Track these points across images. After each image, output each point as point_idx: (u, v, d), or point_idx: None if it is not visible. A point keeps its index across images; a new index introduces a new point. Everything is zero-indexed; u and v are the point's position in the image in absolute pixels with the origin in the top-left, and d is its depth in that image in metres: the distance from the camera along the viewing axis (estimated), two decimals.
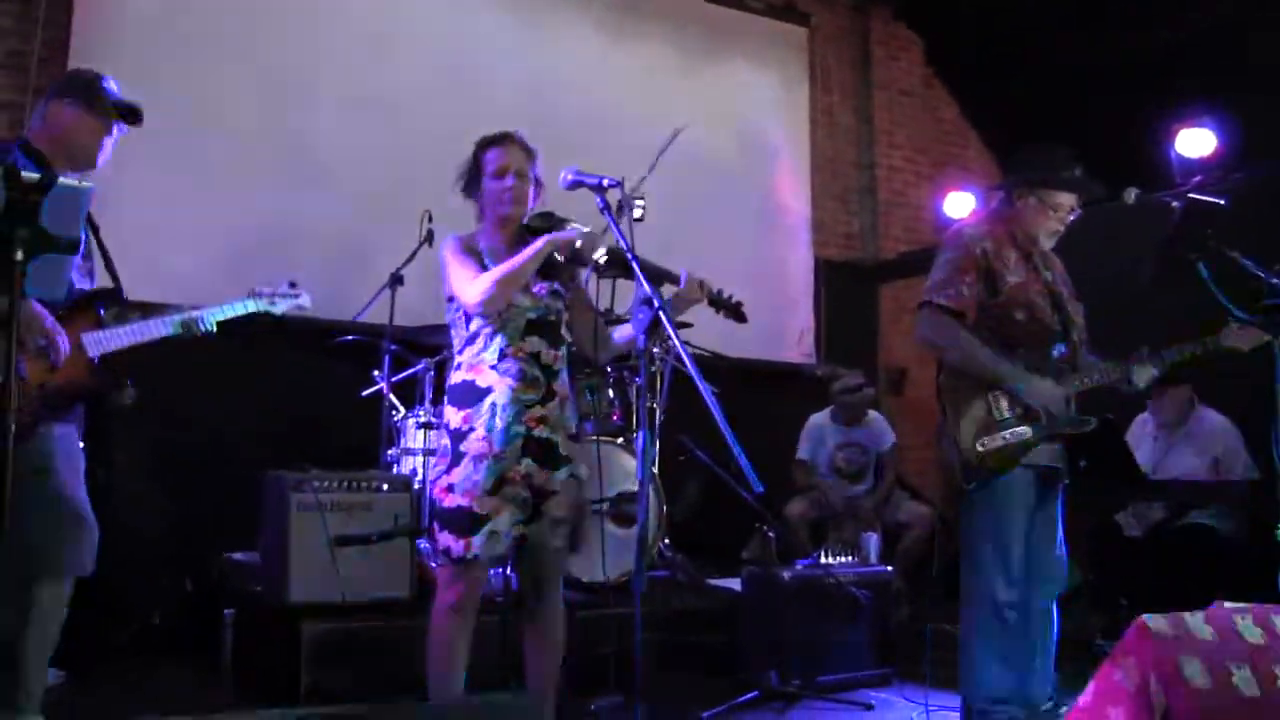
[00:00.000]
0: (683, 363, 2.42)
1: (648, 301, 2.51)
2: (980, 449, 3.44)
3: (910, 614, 5.21)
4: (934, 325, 3.54)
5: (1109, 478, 4.88)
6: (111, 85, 3.20)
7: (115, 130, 3.22)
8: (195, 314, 3.28)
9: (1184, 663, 2.15)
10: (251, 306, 3.45)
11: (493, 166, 3.21)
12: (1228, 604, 2.41)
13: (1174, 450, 5.37)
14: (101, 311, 3.14)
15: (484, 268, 3.15)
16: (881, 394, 7.45)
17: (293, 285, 3.54)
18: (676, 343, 2.44)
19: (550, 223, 3.17)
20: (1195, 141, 5.98)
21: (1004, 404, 3.49)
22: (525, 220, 3.22)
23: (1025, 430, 3.46)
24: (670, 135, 3.01)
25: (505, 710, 1.60)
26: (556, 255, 3.08)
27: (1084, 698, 2.32)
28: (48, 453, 2.97)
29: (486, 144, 3.26)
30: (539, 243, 3.05)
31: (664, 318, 2.47)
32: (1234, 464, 5.18)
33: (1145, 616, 2.22)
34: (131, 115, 3.22)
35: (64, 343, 2.95)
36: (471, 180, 3.28)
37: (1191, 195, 3.32)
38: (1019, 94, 7.56)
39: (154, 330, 3.21)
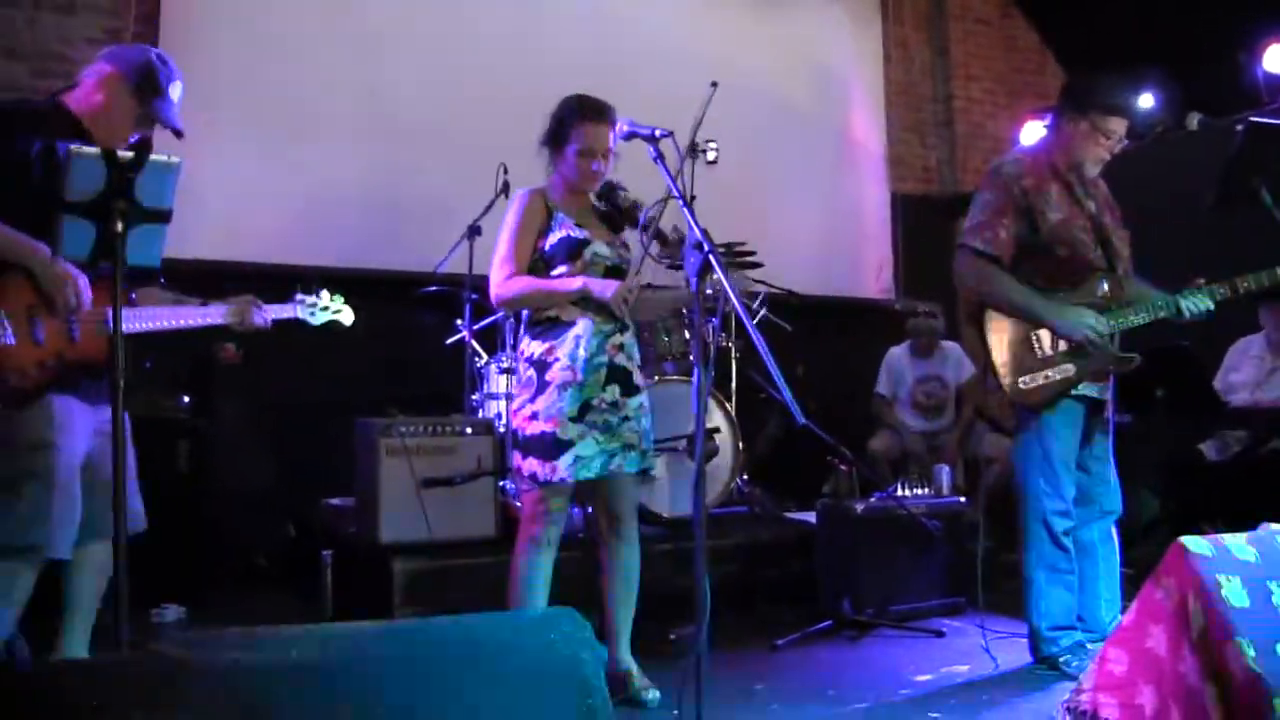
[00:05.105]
0: (731, 304, 2.52)
1: (698, 245, 2.61)
2: (1022, 387, 3.50)
3: (992, 547, 5.26)
4: (970, 269, 3.58)
5: (1187, 407, 4.88)
6: (175, 91, 3.06)
7: (149, 133, 3.05)
8: (247, 308, 3.17)
9: (1222, 582, 2.22)
10: (292, 312, 3.39)
11: (582, 144, 3.28)
12: (1274, 525, 2.46)
13: (1279, 371, 5.28)
14: (134, 295, 2.96)
15: (544, 234, 3.32)
16: (961, 328, 7.44)
17: (334, 297, 3.49)
18: (727, 285, 2.54)
19: (615, 197, 3.34)
20: None
21: (1046, 342, 3.52)
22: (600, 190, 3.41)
23: (1069, 367, 3.49)
24: (709, 92, 3.07)
25: (548, 625, 1.75)
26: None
27: (1127, 616, 2.41)
28: (47, 425, 2.82)
29: (581, 116, 3.29)
30: (578, 284, 3.25)
31: (714, 261, 2.58)
32: None
33: (1183, 538, 2.29)
34: (173, 133, 3.08)
35: (86, 298, 2.82)
36: (555, 138, 3.37)
37: (1254, 118, 3.28)
38: (1099, 18, 7.37)
39: (190, 317, 3.08)
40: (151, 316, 2.98)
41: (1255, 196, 3.27)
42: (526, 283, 3.29)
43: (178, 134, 3.06)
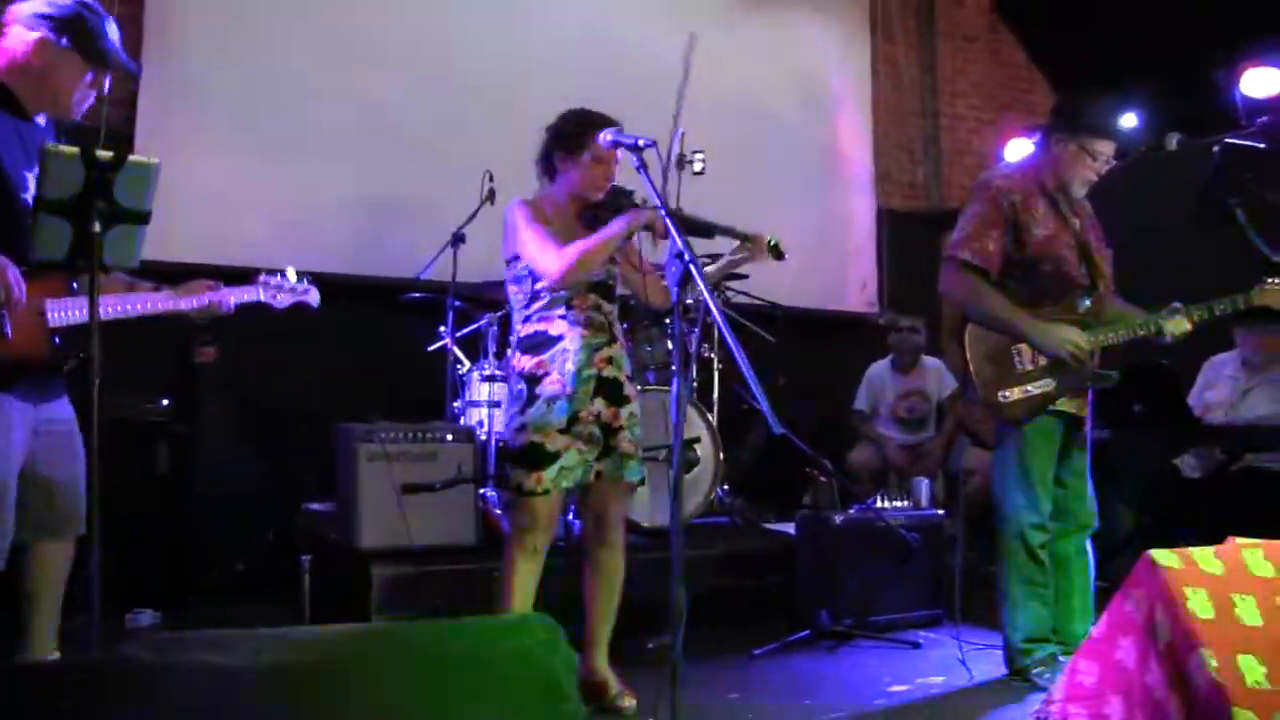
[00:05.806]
0: (710, 314, 2.52)
1: (679, 255, 2.62)
2: (1001, 400, 3.52)
3: (972, 559, 5.27)
4: (956, 281, 3.60)
5: (1163, 423, 4.91)
6: (112, 31, 2.80)
7: (106, 84, 2.84)
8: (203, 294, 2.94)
9: (1189, 594, 2.24)
10: (256, 295, 3.12)
11: (598, 151, 3.28)
12: (1239, 539, 2.48)
13: (1254, 392, 5.30)
14: (75, 285, 2.71)
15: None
16: (944, 343, 7.47)
17: (300, 278, 3.23)
18: (706, 295, 2.55)
19: (619, 199, 3.33)
20: (1262, 81, 5.86)
21: (1026, 356, 3.55)
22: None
23: (1048, 382, 3.52)
24: (688, 43, 3.05)
25: (520, 630, 1.75)
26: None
27: (1097, 629, 2.43)
28: None
29: (597, 124, 3.29)
30: (619, 223, 3.19)
31: (694, 271, 2.58)
32: None
33: (1153, 551, 2.31)
34: (127, 73, 2.88)
35: (20, 294, 2.59)
36: (570, 146, 3.35)
37: (1229, 139, 3.32)
38: (1088, 36, 7.43)
39: (141, 303, 2.85)
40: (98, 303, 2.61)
41: (1231, 216, 3.31)
42: (576, 246, 3.20)
43: (133, 73, 2.91)
